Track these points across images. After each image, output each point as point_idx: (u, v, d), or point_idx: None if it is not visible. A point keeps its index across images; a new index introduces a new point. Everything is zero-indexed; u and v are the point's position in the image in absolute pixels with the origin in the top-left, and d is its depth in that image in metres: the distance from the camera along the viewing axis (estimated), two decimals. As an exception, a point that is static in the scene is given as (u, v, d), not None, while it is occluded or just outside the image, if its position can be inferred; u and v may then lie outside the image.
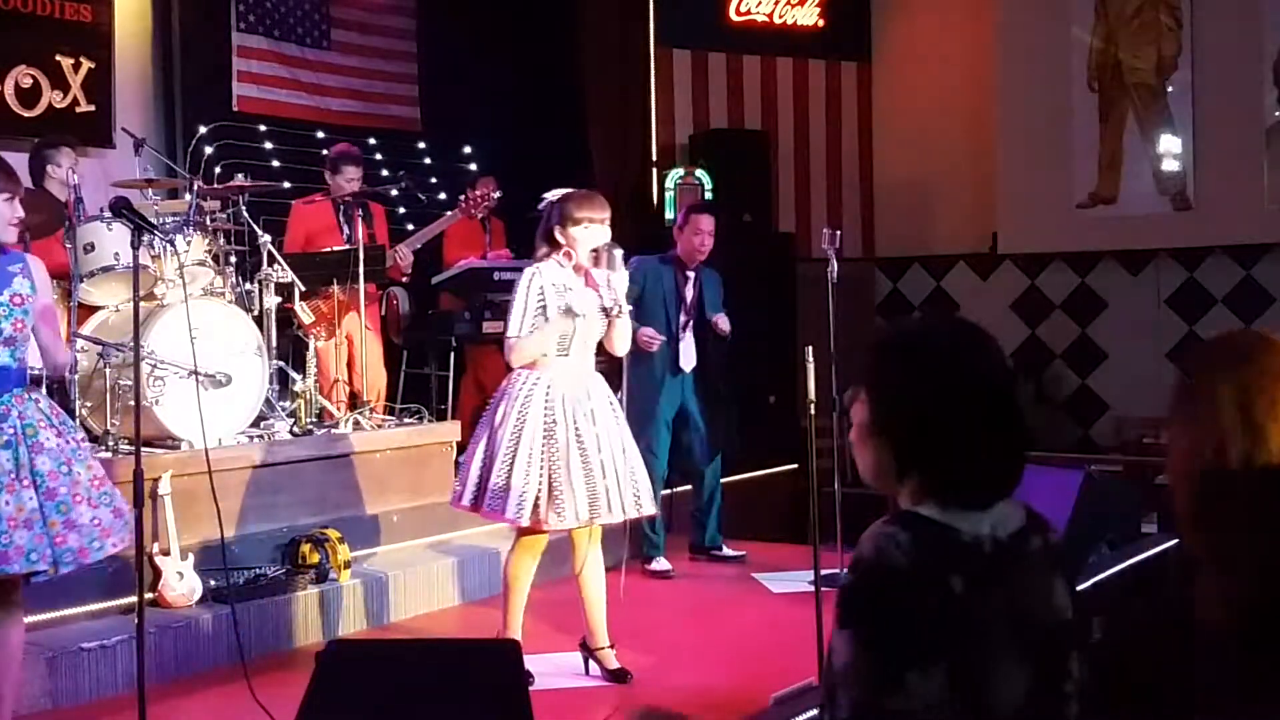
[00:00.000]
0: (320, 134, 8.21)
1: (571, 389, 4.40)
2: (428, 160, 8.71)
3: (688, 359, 6.39)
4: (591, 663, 4.67)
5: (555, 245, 4.45)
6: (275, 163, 7.89)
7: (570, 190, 4.53)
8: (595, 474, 4.36)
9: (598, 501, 4.37)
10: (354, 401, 6.52)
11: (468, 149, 8.75)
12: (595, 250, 4.42)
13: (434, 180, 8.52)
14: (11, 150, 6.57)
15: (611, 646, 4.63)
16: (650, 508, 4.64)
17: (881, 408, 1.74)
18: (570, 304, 4.33)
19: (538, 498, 4.32)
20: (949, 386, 1.71)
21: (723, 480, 6.70)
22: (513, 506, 4.31)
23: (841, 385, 6.74)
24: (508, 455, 4.31)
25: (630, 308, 4.55)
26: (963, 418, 1.69)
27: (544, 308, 4.37)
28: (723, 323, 6.34)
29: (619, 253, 4.46)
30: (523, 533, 4.48)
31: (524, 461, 4.30)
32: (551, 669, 4.69)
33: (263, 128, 7.98)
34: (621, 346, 4.60)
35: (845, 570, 1.72)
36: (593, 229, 4.43)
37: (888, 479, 1.76)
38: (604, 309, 4.42)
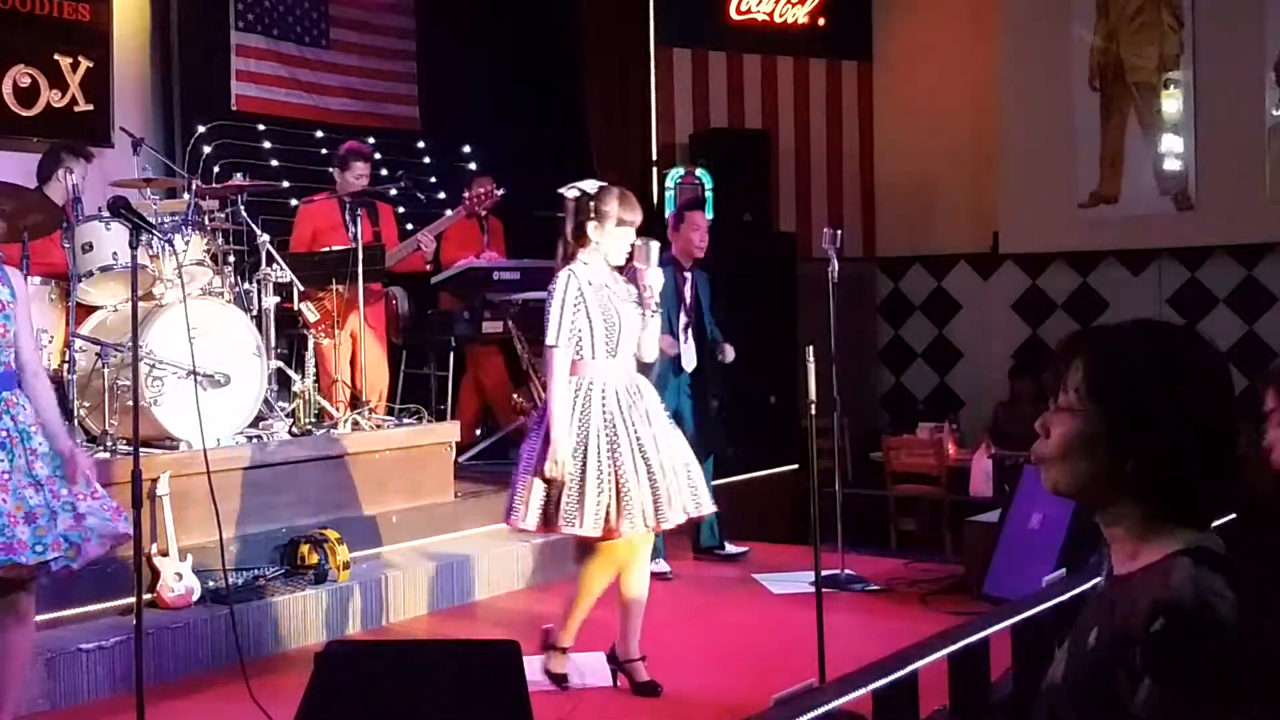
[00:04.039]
0: (319, 133, 8.21)
1: (624, 390, 4.28)
2: (427, 160, 8.70)
3: (689, 360, 6.36)
4: (601, 674, 4.58)
5: (584, 241, 4.32)
6: (274, 162, 7.88)
7: (605, 186, 4.37)
8: (658, 476, 4.24)
9: (661, 504, 4.25)
10: (355, 401, 6.51)
11: (467, 149, 8.74)
12: (632, 245, 4.32)
13: (433, 180, 8.51)
14: (11, 150, 6.59)
15: (643, 659, 4.52)
16: (710, 506, 4.51)
17: (1125, 418, 1.61)
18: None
19: (609, 507, 4.19)
20: (1197, 393, 1.61)
21: (723, 481, 6.68)
22: (589, 521, 4.17)
23: (842, 386, 6.67)
24: (576, 469, 4.17)
25: (660, 308, 4.42)
26: (1212, 425, 1.61)
27: (579, 311, 4.23)
28: (729, 353, 6.33)
29: (655, 246, 4.35)
30: (601, 541, 4.33)
31: (594, 473, 4.17)
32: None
33: (261, 127, 7.97)
34: (650, 349, 4.44)
35: (1153, 614, 1.57)
36: (631, 232, 4.33)
37: (1107, 493, 1.65)
38: (640, 307, 4.33)
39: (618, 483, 4.18)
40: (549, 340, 4.24)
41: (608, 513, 4.19)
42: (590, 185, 4.36)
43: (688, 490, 4.36)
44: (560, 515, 4.21)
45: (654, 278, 4.33)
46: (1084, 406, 1.64)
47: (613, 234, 4.29)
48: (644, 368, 4.46)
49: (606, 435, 4.20)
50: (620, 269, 4.42)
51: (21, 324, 3.78)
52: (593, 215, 4.28)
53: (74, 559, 3.69)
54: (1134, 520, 1.64)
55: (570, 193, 4.37)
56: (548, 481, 4.21)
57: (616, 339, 4.26)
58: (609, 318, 4.26)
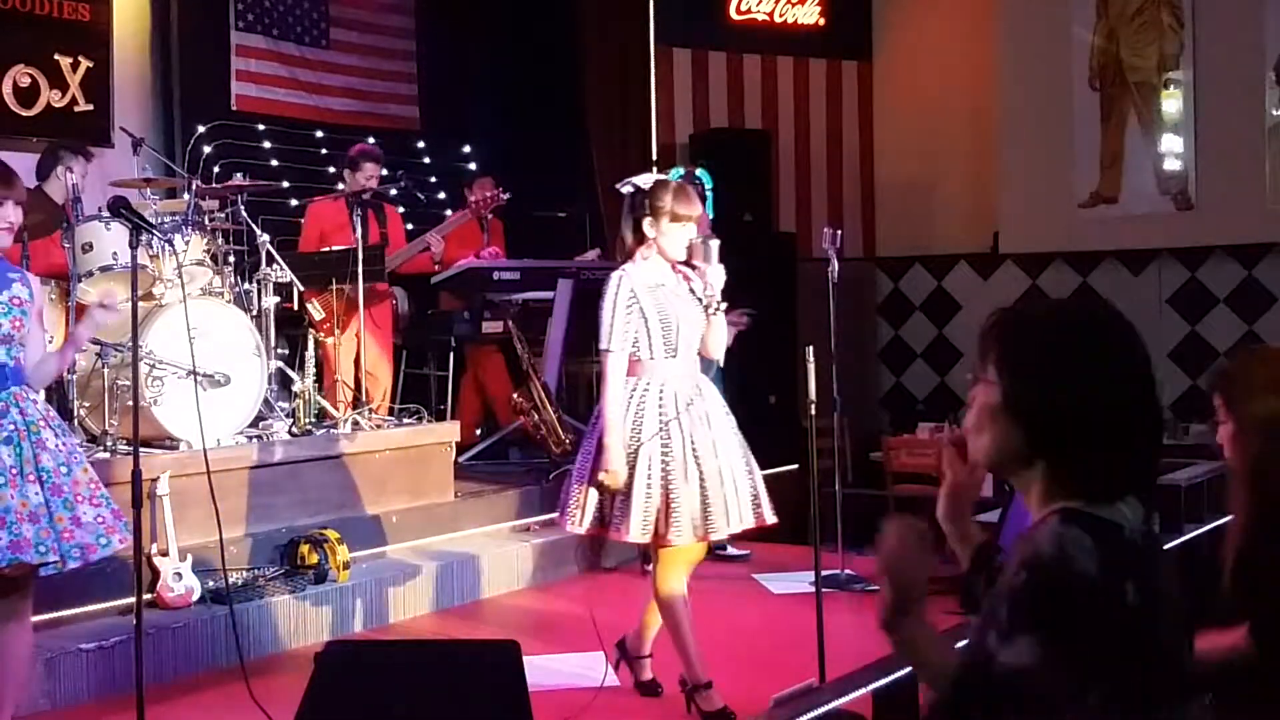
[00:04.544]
0: (319, 133, 8.21)
1: (684, 392, 4.12)
2: (427, 160, 8.70)
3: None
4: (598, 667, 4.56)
5: (643, 238, 4.17)
6: (274, 162, 7.89)
7: (661, 180, 4.21)
8: (712, 483, 4.07)
9: (712, 513, 4.08)
10: (357, 401, 6.51)
11: (467, 149, 8.75)
12: (690, 243, 4.17)
13: (433, 180, 8.52)
14: (11, 150, 6.59)
15: (650, 656, 4.49)
16: (770, 516, 4.27)
17: (1023, 389, 1.65)
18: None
19: (658, 514, 4.05)
20: (1102, 371, 1.63)
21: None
22: (636, 528, 4.04)
23: (842, 386, 6.67)
24: (627, 473, 4.04)
25: (726, 305, 4.28)
26: (1115, 403, 1.62)
27: (633, 312, 4.09)
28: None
29: (715, 244, 4.22)
30: (665, 551, 4.17)
31: (643, 478, 4.04)
32: (554, 669, 4.67)
33: (261, 127, 7.99)
34: (717, 348, 4.28)
35: (1017, 570, 1.61)
36: (688, 227, 4.15)
37: (1013, 464, 1.69)
38: (702, 305, 4.18)
39: (666, 489, 4.04)
40: (602, 344, 4.12)
41: (657, 520, 4.07)
42: (645, 180, 4.20)
43: (748, 498, 4.17)
44: (611, 520, 4.12)
45: (715, 275, 4.20)
46: (995, 379, 1.68)
47: (668, 230, 4.12)
48: (704, 365, 4.34)
49: (660, 439, 4.05)
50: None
51: (34, 326, 3.82)
52: (647, 211, 4.13)
53: (60, 569, 3.72)
54: (1038, 491, 1.68)
55: (625, 189, 4.26)
56: (601, 488, 4.10)
57: (675, 339, 4.12)
58: (665, 318, 4.11)
